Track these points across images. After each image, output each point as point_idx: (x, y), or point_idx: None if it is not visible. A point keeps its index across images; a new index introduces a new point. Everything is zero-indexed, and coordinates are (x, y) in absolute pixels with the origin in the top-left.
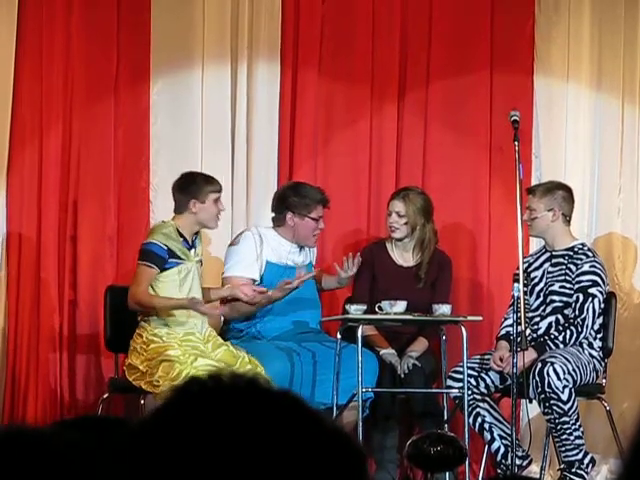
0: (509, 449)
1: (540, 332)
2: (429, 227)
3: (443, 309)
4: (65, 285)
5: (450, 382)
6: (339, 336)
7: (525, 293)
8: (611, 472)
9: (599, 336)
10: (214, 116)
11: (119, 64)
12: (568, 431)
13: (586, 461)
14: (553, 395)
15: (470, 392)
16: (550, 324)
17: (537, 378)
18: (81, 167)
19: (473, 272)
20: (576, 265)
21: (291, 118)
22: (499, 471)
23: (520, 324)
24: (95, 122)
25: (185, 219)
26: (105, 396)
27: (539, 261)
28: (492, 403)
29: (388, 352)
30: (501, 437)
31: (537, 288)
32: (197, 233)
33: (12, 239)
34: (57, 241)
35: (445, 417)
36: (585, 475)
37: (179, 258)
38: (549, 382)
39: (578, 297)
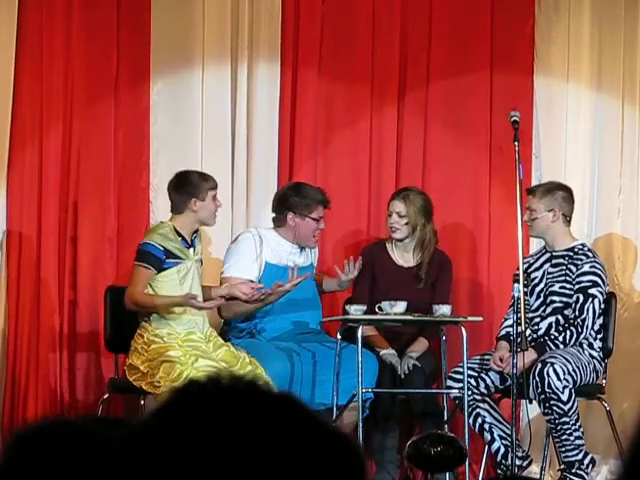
0: (509, 449)
1: (540, 332)
2: (429, 227)
3: (443, 309)
4: (65, 285)
5: (450, 382)
6: (339, 336)
7: (525, 294)
8: (611, 472)
9: (599, 336)
10: (214, 116)
11: (119, 64)
12: (568, 431)
13: (586, 461)
14: (553, 395)
15: (470, 392)
16: (550, 324)
17: (537, 378)
18: (81, 167)
19: (473, 272)
20: (576, 266)
21: (291, 118)
22: (499, 471)
23: (520, 324)
24: (95, 122)
25: (185, 218)
26: (105, 396)
27: (539, 262)
28: (492, 403)
29: (388, 352)
30: (501, 437)
31: (537, 289)
32: (196, 232)
33: (12, 239)
34: (57, 241)
35: (445, 417)
36: (585, 475)
37: (178, 258)
38: (549, 382)
39: (578, 298)
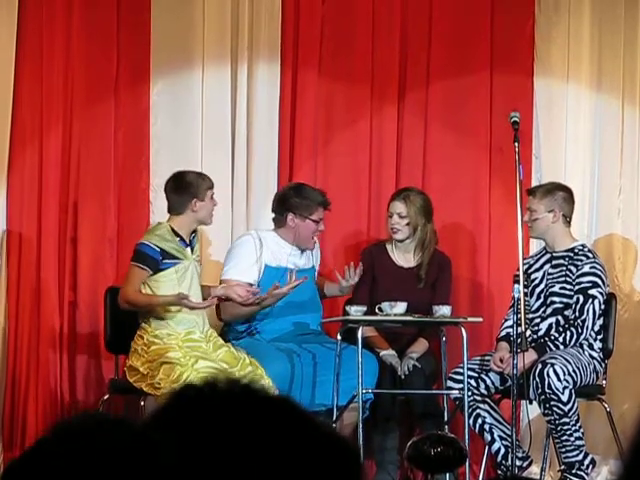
0: (509, 450)
1: (540, 333)
2: (429, 227)
3: (443, 310)
4: (65, 286)
5: (450, 383)
6: (339, 337)
7: (525, 294)
8: (611, 473)
9: (599, 337)
10: (214, 117)
11: (119, 65)
12: (568, 432)
13: (586, 462)
14: (553, 396)
15: (470, 393)
16: (550, 325)
17: (537, 379)
18: (81, 168)
19: (473, 273)
20: (576, 266)
21: (291, 118)
22: (499, 472)
23: (520, 325)
24: (95, 123)
25: (184, 218)
26: (105, 397)
27: (539, 262)
28: (492, 404)
29: (388, 353)
30: (501, 438)
31: (537, 289)
32: (194, 232)
33: (12, 240)
34: (57, 242)
35: (445, 418)
36: (585, 476)
37: (175, 258)
38: (549, 383)
39: (578, 298)
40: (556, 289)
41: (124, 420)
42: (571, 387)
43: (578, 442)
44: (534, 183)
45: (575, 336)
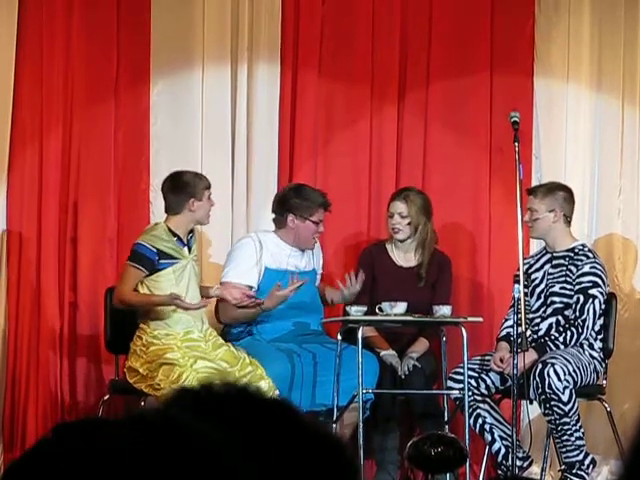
0: (510, 450)
1: (540, 333)
2: (429, 226)
3: (443, 310)
4: (65, 287)
5: (450, 383)
6: (340, 337)
7: (525, 294)
8: (612, 473)
9: (599, 337)
10: (214, 117)
11: (119, 65)
12: (569, 432)
13: (587, 462)
14: (554, 396)
15: (470, 393)
16: (550, 325)
17: (537, 379)
18: (81, 168)
19: (473, 273)
20: (576, 266)
21: (291, 119)
22: (500, 472)
23: (520, 325)
24: (95, 123)
25: (182, 218)
26: (106, 398)
27: (540, 262)
28: (492, 404)
29: (388, 353)
30: (502, 438)
31: (538, 289)
32: (192, 232)
33: (12, 240)
34: (57, 242)
35: (446, 418)
36: (586, 476)
37: (172, 257)
38: (549, 383)
39: (578, 298)
40: (556, 289)
41: (124, 421)
42: (571, 387)
43: (578, 442)
44: (534, 183)
45: (575, 336)
